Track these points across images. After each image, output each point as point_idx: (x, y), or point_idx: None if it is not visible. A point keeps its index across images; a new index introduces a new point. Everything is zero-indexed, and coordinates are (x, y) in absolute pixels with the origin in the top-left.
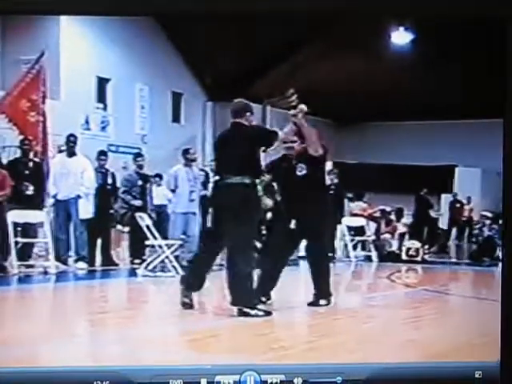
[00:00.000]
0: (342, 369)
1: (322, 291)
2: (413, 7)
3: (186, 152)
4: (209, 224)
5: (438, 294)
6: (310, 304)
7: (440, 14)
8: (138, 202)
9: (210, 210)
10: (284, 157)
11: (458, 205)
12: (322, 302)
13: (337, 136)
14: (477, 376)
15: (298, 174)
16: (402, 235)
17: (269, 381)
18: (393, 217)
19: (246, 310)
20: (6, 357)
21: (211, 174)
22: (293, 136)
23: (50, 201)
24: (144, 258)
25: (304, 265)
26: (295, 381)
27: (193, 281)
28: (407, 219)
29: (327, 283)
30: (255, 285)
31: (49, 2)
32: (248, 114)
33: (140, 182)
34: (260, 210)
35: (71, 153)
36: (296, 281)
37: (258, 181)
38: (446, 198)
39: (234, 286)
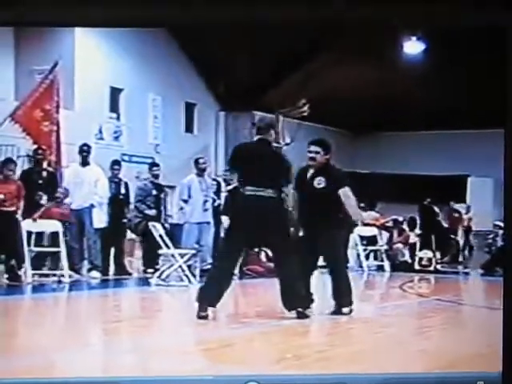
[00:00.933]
0: (344, 379)
1: (344, 300)
2: (416, 17)
3: (196, 161)
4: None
5: (451, 304)
6: (332, 313)
7: (443, 22)
8: (152, 212)
9: (236, 220)
10: (306, 167)
11: (455, 214)
12: (345, 310)
13: (350, 146)
14: None
15: (316, 186)
16: (414, 245)
17: None
18: (405, 226)
19: (305, 311)
20: (20, 365)
21: (223, 184)
22: None
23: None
24: (157, 267)
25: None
26: None
27: (212, 296)
28: (419, 229)
29: (348, 291)
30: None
31: (62, 14)
32: (272, 131)
33: (155, 192)
34: (290, 220)
35: (85, 162)
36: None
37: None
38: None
39: (289, 290)
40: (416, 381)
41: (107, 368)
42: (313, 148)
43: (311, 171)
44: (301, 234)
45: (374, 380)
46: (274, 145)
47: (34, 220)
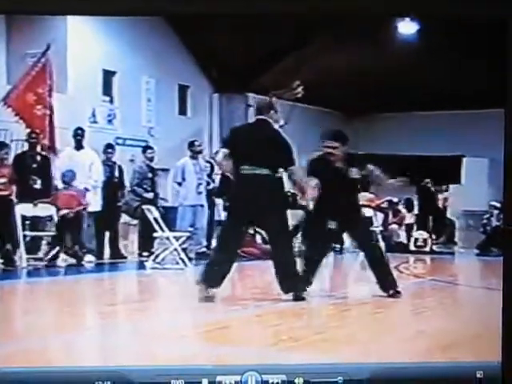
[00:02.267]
0: (343, 368)
1: (387, 282)
2: (415, 6)
3: (191, 144)
4: (225, 214)
5: (447, 284)
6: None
7: (441, 12)
8: (149, 195)
9: (232, 198)
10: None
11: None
12: (391, 292)
13: (344, 127)
14: (478, 376)
15: (351, 176)
16: (411, 226)
17: (270, 381)
18: (402, 208)
19: (301, 294)
20: (16, 350)
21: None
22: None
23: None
24: (152, 250)
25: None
26: (296, 381)
27: (215, 277)
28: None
29: (388, 274)
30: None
31: (56, 2)
32: (272, 111)
33: (150, 175)
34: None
35: (79, 146)
36: None
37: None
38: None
39: (285, 272)
40: (415, 370)
41: (104, 352)
42: (329, 143)
43: (334, 162)
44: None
45: (374, 369)
46: (275, 125)
47: (35, 205)
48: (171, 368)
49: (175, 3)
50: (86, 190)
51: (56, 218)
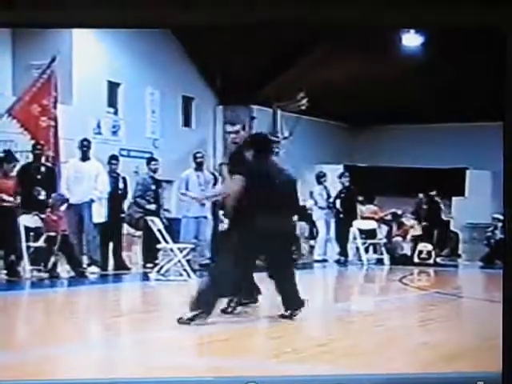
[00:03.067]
0: (343, 381)
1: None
2: (416, 17)
3: (194, 156)
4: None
5: (451, 297)
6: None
7: (442, 22)
8: (152, 207)
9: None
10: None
11: (424, 206)
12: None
13: (348, 139)
14: None
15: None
16: (418, 237)
17: None
18: (411, 217)
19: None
20: (19, 361)
21: (220, 179)
22: None
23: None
24: (156, 261)
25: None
26: None
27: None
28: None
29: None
30: None
31: (61, 15)
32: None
33: (153, 187)
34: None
35: (85, 157)
36: (311, 284)
37: None
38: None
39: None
40: (417, 381)
41: (107, 363)
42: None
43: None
44: None
45: (376, 380)
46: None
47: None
48: (172, 380)
49: (177, 15)
50: (92, 200)
51: (44, 237)
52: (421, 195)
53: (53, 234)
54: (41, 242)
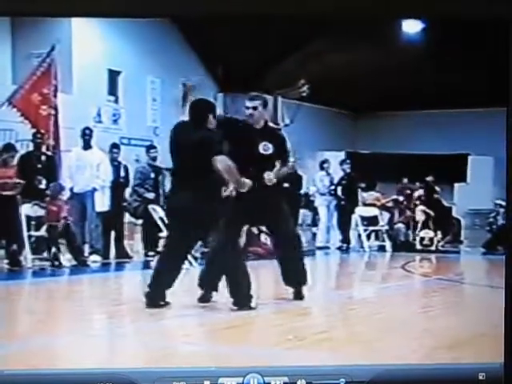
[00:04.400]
0: (345, 370)
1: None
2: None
3: None
4: None
5: (453, 283)
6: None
7: (445, 13)
8: (151, 195)
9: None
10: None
11: (407, 191)
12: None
13: (349, 126)
14: (480, 378)
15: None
16: (426, 221)
17: (272, 383)
18: (412, 206)
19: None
20: (22, 351)
21: None
22: None
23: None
24: (158, 250)
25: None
26: (298, 383)
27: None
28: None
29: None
30: None
31: (60, 4)
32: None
33: (153, 175)
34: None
35: (87, 146)
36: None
37: None
38: (458, 187)
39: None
40: (417, 372)
41: (109, 352)
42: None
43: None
44: None
45: (376, 370)
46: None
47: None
48: (173, 370)
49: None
50: (95, 189)
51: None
52: (425, 180)
53: (54, 223)
54: (42, 232)
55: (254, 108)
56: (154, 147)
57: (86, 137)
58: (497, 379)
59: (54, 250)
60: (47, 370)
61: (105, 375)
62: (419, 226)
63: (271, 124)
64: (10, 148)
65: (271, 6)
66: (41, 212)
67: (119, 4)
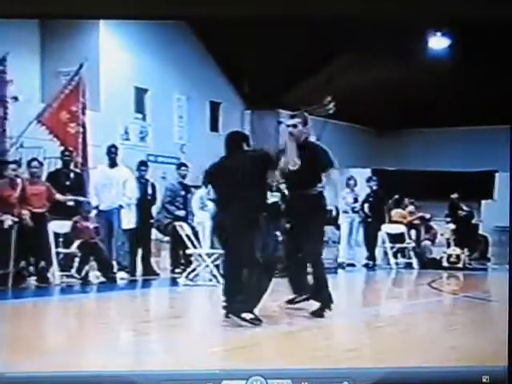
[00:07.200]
0: (348, 374)
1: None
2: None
3: None
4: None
5: (480, 301)
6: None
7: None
8: (181, 213)
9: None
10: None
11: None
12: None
13: (376, 143)
14: (484, 380)
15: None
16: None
17: None
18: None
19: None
20: (50, 366)
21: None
22: None
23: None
24: (184, 267)
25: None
26: None
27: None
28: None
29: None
30: None
31: (82, 6)
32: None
33: (183, 192)
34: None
35: (113, 163)
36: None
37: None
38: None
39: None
40: (421, 374)
41: (136, 367)
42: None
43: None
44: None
45: (380, 374)
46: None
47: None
48: (177, 373)
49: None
50: (121, 207)
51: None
52: (451, 197)
53: (85, 240)
54: (73, 249)
55: (294, 126)
56: (185, 165)
57: (112, 154)
58: (501, 382)
59: (87, 267)
60: (54, 373)
61: (108, 378)
62: (446, 243)
63: (312, 139)
64: (34, 162)
65: (295, 19)
66: (67, 229)
67: (143, 5)
